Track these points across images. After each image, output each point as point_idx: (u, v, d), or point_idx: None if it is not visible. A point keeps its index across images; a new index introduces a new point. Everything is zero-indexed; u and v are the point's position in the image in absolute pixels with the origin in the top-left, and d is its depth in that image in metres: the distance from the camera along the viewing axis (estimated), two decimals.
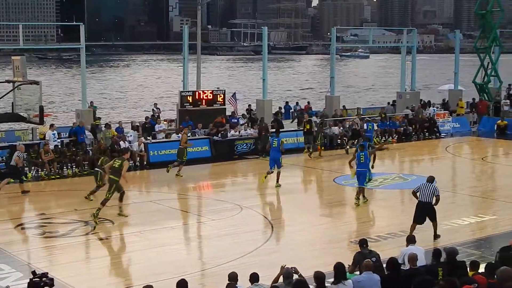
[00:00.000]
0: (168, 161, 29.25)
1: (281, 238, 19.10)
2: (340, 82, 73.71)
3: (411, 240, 14.26)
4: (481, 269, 11.70)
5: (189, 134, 32.37)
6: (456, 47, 50.23)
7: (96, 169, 24.12)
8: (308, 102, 44.86)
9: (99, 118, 35.36)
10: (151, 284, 10.78)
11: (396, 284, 11.46)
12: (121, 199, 21.41)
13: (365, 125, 33.95)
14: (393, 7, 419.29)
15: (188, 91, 35.45)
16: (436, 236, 18.37)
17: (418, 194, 18.40)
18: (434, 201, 18.12)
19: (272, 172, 25.97)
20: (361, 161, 22.69)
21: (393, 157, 33.16)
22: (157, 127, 33.84)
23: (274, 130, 29.71)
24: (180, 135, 30.24)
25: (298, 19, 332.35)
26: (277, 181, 25.97)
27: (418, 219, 18.26)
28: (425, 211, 18.19)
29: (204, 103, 34.65)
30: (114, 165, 21.15)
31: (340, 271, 11.37)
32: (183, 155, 28.04)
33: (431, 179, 18.53)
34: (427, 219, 18.35)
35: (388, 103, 46.34)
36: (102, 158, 23.79)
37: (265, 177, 26.06)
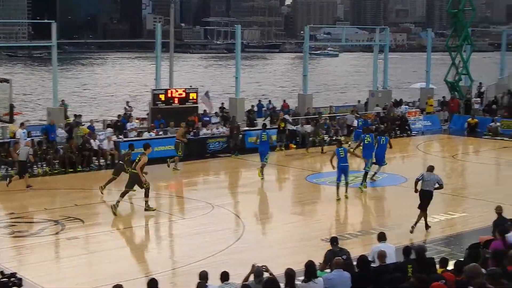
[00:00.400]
0: None
1: (253, 237, 19.04)
2: (313, 81, 73.78)
3: (382, 237, 14.32)
4: (451, 266, 11.79)
5: (160, 133, 32.32)
6: (428, 45, 50.54)
7: (120, 162, 24.85)
8: (284, 101, 44.86)
9: (80, 116, 35.03)
10: (121, 284, 10.70)
11: (366, 281, 11.50)
12: (146, 194, 21.65)
13: (355, 121, 35.03)
14: (366, 6, 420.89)
15: (161, 90, 35.27)
16: (427, 226, 19.29)
17: (420, 182, 19.12)
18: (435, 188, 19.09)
19: (265, 164, 26.82)
20: (341, 156, 23.09)
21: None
22: (128, 126, 33.67)
23: (263, 124, 30.66)
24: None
25: (271, 18, 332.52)
26: (261, 173, 26.85)
27: (423, 206, 19.12)
28: (428, 199, 19.06)
29: (176, 102, 34.51)
30: (128, 158, 22.64)
31: (310, 269, 11.37)
32: (177, 149, 28.67)
33: (431, 169, 19.43)
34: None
35: (359, 101, 46.52)
36: (128, 151, 24.71)
37: (261, 171, 26.76)
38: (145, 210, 21.52)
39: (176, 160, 28.32)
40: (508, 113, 41.62)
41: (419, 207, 19.12)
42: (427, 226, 19.19)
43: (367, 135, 25.60)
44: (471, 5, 47.73)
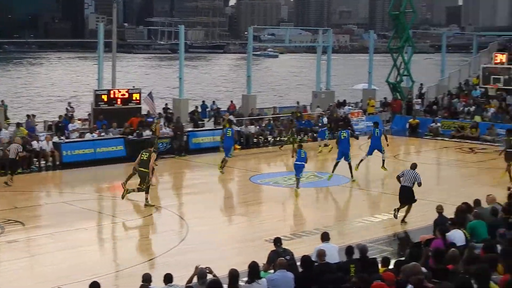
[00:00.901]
0: (82, 161, 28.91)
1: (197, 238, 18.92)
2: (257, 81, 74.00)
3: (325, 237, 14.39)
4: (392, 265, 11.94)
5: (103, 134, 31.93)
6: (370, 47, 51.16)
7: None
8: (231, 101, 44.80)
9: (34, 116, 34.43)
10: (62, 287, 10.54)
11: (309, 281, 11.55)
12: (147, 190, 22.25)
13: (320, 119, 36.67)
14: (309, 7, 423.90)
15: (103, 90, 34.83)
16: (403, 221, 20.24)
17: (401, 179, 20.33)
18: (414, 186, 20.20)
19: (229, 158, 28.34)
20: (301, 156, 24.63)
21: (308, 156, 33.40)
22: (70, 127, 33.17)
23: (229, 121, 33.00)
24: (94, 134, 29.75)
25: (215, 18, 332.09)
26: (222, 167, 28.14)
27: (402, 201, 20.35)
28: (405, 194, 20.20)
29: (119, 102, 34.15)
30: (142, 158, 22.52)
31: (254, 270, 11.37)
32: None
33: (413, 166, 20.49)
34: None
35: (298, 102, 46.51)
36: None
37: (222, 166, 28.09)
38: (145, 206, 22.06)
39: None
40: (448, 114, 42.40)
41: (399, 201, 20.34)
42: (403, 221, 20.26)
43: (343, 131, 27.59)
44: (412, 7, 48.47)
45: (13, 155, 25.90)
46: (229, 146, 28.42)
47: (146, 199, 22.20)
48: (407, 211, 20.25)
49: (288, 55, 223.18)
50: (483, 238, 13.69)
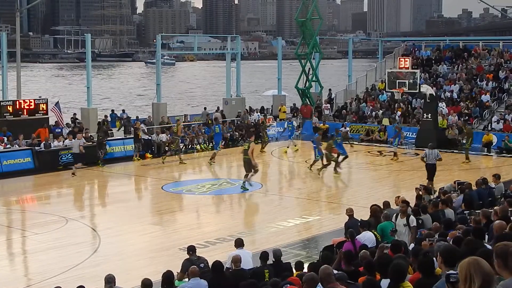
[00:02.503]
0: None
1: (109, 249, 18.63)
2: (166, 89, 73.61)
3: (239, 243, 14.42)
4: (306, 269, 12.06)
5: (8, 146, 31.07)
6: (279, 53, 51.69)
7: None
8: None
9: None
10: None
11: (221, 286, 11.55)
12: (248, 176, 26.12)
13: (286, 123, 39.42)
14: (218, 15, 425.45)
15: (8, 101, 33.99)
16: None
17: (425, 159, 24.89)
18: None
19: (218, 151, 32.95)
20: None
21: (220, 163, 33.51)
22: None
23: (215, 118, 37.25)
24: None
25: (123, 26, 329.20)
26: (212, 159, 32.34)
27: (430, 177, 24.72)
28: (432, 170, 24.79)
29: (25, 113, 33.35)
30: (244, 147, 26.77)
31: (168, 279, 11.32)
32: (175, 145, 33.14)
33: (432, 146, 25.37)
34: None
35: (205, 108, 46.42)
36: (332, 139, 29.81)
37: (213, 158, 32.30)
38: (241, 188, 26.04)
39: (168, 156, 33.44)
40: (356, 118, 43.25)
41: (427, 178, 24.69)
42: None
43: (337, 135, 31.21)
44: (318, 14, 49.30)
45: (76, 149, 29.85)
46: (218, 141, 33.52)
47: (247, 178, 26.07)
48: (432, 186, 22.74)
49: (199, 62, 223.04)
50: (392, 238, 14.01)
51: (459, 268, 5.07)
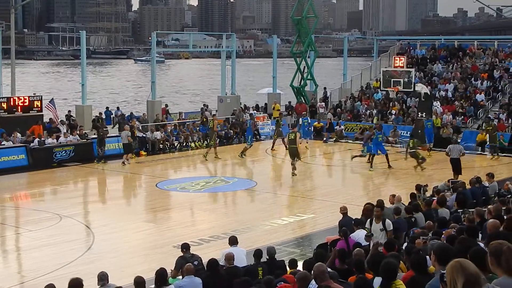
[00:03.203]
0: None
1: (103, 246, 18.61)
2: (160, 87, 73.48)
3: (233, 241, 14.43)
4: (300, 267, 12.06)
5: (3, 143, 31.00)
6: (274, 52, 51.64)
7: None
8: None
9: None
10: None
11: (215, 283, 11.56)
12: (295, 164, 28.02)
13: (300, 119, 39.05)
14: (213, 13, 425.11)
15: (2, 98, 33.91)
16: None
17: (449, 153, 25.95)
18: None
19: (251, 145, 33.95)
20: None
21: (215, 161, 33.49)
22: None
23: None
24: None
25: (118, 23, 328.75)
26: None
27: (456, 171, 25.59)
28: (457, 165, 25.77)
29: (20, 110, 33.28)
30: (290, 137, 28.70)
31: (161, 277, 11.29)
32: (211, 139, 33.84)
33: (455, 141, 27.99)
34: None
35: (203, 106, 46.32)
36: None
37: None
38: (293, 175, 28.01)
39: (207, 151, 33.58)
40: (351, 117, 43.27)
41: (453, 172, 25.52)
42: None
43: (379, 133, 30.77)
44: (314, 13, 49.30)
45: (125, 140, 31.32)
46: (249, 135, 34.64)
47: (294, 169, 27.98)
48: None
49: (194, 60, 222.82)
50: None
51: (446, 272, 5.15)
